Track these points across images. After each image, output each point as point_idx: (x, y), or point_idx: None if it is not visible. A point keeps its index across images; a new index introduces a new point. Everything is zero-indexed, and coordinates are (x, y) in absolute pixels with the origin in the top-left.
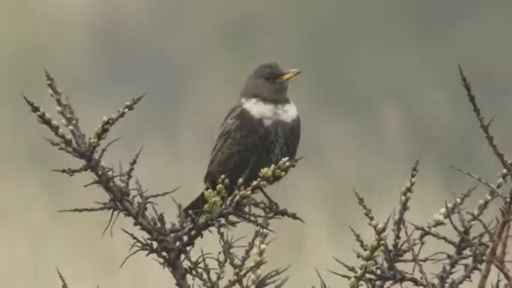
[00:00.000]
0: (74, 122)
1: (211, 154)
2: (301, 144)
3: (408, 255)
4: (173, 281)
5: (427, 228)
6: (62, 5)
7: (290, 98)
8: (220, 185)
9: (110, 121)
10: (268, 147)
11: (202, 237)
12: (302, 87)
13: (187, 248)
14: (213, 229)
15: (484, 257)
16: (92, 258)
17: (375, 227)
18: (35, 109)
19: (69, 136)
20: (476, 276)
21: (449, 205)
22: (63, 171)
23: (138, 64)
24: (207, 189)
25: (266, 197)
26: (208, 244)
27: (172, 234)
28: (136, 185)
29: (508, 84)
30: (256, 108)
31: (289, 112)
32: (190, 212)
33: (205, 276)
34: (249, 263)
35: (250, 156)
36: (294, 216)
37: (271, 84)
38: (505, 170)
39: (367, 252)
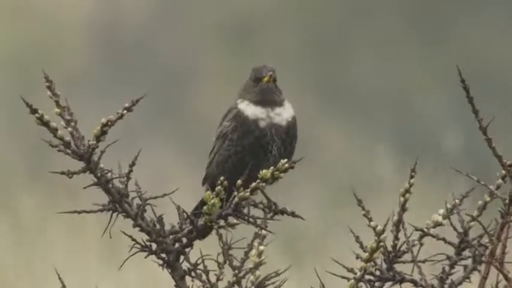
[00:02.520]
0: (72, 123)
1: (209, 156)
2: (300, 145)
3: (407, 257)
4: (172, 283)
5: (426, 229)
6: (61, 5)
7: (289, 98)
8: (219, 187)
9: (109, 123)
10: (265, 147)
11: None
12: (302, 87)
13: (187, 250)
14: (212, 230)
15: (484, 258)
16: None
17: (374, 228)
18: (34, 111)
19: (68, 138)
20: (475, 277)
21: (449, 206)
22: (62, 173)
23: (137, 64)
24: (206, 191)
25: (265, 197)
26: (207, 245)
27: (171, 236)
28: (136, 186)
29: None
30: (249, 109)
31: (282, 115)
32: (189, 213)
33: (204, 277)
34: (248, 264)
35: (248, 157)
36: (293, 214)
37: (255, 87)
38: (504, 171)
39: (367, 253)
